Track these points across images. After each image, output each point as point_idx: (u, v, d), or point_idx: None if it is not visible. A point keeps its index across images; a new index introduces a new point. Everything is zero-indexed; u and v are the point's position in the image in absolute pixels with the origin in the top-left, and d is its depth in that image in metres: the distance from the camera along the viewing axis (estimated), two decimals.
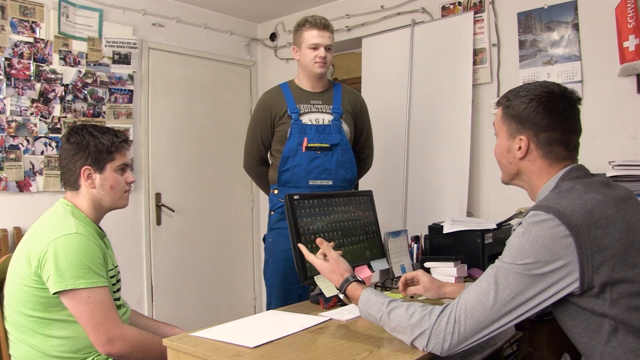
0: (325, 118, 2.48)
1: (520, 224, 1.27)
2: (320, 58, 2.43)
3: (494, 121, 1.49)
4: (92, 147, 1.71)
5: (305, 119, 2.46)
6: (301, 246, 1.72)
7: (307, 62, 2.46)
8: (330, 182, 2.45)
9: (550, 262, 1.18)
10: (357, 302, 1.46)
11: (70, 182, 1.74)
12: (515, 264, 1.20)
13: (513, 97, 1.40)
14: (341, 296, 1.55)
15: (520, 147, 1.38)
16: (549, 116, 1.35)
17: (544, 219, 1.20)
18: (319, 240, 1.69)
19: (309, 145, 2.42)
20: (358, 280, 1.52)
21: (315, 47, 2.43)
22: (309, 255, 1.67)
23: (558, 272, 1.18)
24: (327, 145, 2.45)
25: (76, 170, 1.71)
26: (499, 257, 1.27)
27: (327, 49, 2.45)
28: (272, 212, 2.52)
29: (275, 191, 2.50)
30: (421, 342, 1.27)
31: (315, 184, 2.43)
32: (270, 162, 2.60)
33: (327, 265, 1.60)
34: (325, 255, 1.63)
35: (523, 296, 1.19)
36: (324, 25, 2.44)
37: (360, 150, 2.63)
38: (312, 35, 2.43)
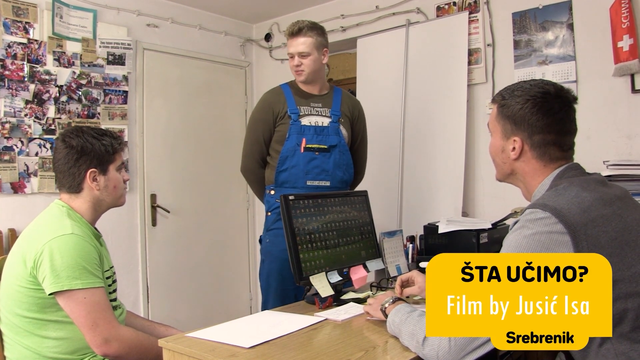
0: (325, 121, 2.49)
1: (516, 222, 1.26)
2: (295, 67, 2.45)
3: (488, 120, 1.49)
4: (97, 149, 1.71)
5: (305, 121, 2.46)
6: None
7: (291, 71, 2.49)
8: (328, 183, 2.47)
9: None
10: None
11: (72, 186, 1.72)
12: None
13: (508, 96, 1.40)
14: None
15: (514, 148, 1.38)
16: (544, 118, 1.34)
17: (541, 217, 1.20)
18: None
19: (307, 146, 2.43)
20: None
21: (292, 56, 2.45)
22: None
23: None
24: (325, 147, 2.45)
25: (81, 173, 1.70)
26: None
27: (302, 55, 2.44)
28: (269, 213, 2.51)
29: (272, 192, 2.49)
30: (416, 347, 1.28)
31: (313, 185, 2.44)
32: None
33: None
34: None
35: None
36: (292, 33, 2.44)
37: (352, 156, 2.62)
38: (288, 45, 2.48)
